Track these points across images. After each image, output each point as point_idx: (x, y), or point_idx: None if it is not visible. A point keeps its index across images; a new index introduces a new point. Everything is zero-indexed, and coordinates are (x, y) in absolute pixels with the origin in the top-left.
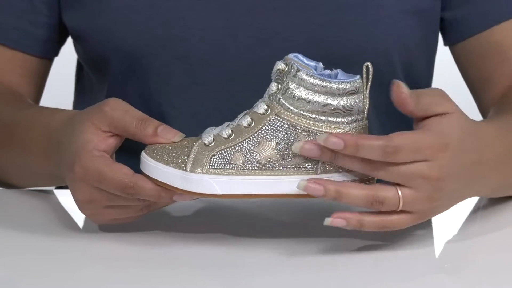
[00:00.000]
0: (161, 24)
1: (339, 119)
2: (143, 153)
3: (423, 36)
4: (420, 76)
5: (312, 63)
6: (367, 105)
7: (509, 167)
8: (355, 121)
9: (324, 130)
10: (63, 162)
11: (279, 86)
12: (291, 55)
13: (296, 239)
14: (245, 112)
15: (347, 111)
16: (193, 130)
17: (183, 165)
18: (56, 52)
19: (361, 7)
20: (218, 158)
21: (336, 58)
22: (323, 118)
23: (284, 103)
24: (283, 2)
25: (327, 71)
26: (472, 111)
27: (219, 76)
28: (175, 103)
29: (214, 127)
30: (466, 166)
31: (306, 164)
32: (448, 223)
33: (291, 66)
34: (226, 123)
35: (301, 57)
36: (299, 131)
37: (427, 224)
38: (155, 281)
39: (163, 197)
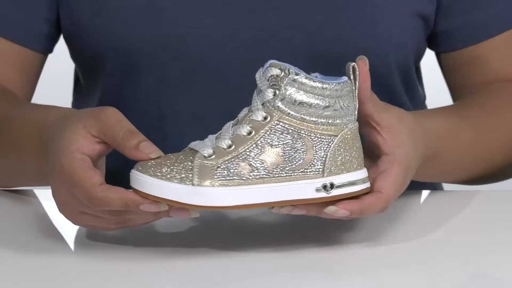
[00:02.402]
0: (159, 23)
1: (337, 121)
2: (134, 171)
3: (419, 39)
4: (413, 79)
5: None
6: (357, 106)
7: (436, 165)
8: (350, 122)
9: (326, 133)
10: (49, 159)
11: (276, 92)
12: (271, 61)
13: (290, 243)
14: (232, 122)
15: (344, 112)
16: (191, 129)
17: (188, 180)
18: (51, 49)
19: (360, 8)
20: (223, 169)
21: (335, 58)
22: (323, 120)
23: (285, 108)
24: (282, 2)
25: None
26: None
27: (218, 75)
28: (173, 102)
29: (199, 141)
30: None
31: (313, 168)
32: (444, 222)
33: (288, 70)
34: (211, 136)
35: (277, 62)
36: (304, 135)
37: (424, 225)
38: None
39: (129, 207)
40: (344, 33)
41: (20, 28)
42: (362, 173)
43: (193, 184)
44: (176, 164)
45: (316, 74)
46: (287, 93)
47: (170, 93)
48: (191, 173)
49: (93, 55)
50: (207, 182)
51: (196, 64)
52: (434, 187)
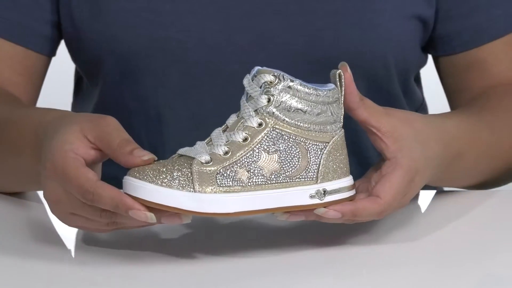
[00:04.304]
0: (159, 27)
1: (328, 127)
2: (129, 177)
3: (418, 42)
4: (411, 82)
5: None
6: (343, 113)
7: (457, 164)
8: (338, 129)
9: (319, 140)
10: (42, 158)
11: (271, 98)
12: (258, 67)
13: (289, 244)
14: (221, 129)
15: (333, 119)
16: (190, 132)
17: (189, 187)
18: (54, 51)
19: (359, 12)
20: (222, 176)
21: (333, 62)
22: (316, 127)
23: (279, 115)
24: (281, 6)
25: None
26: None
27: (216, 78)
28: (172, 105)
29: (188, 147)
30: (430, 174)
31: (307, 174)
32: (445, 221)
33: (282, 76)
34: (200, 142)
35: (265, 68)
36: (299, 141)
37: (423, 226)
38: None
39: (119, 209)
40: (343, 36)
41: (23, 30)
42: (349, 180)
43: (194, 191)
44: (174, 171)
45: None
46: (282, 99)
47: (169, 97)
48: (191, 180)
49: (92, 58)
50: (209, 189)
51: (194, 68)
52: (435, 186)
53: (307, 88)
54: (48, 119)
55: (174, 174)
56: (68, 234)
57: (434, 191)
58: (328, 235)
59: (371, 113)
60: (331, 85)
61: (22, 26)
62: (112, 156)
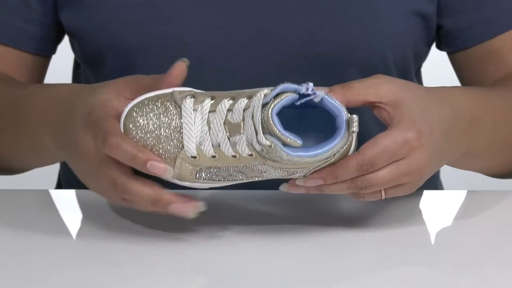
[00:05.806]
0: (157, 23)
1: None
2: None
3: (418, 38)
4: (412, 79)
5: (303, 86)
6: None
7: (476, 131)
8: (342, 147)
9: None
10: (71, 122)
11: (264, 150)
12: (279, 87)
13: (290, 233)
14: (244, 107)
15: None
16: None
17: (171, 165)
18: (52, 50)
19: (358, 8)
20: (204, 173)
21: (332, 58)
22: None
23: (272, 162)
24: (280, 2)
25: (318, 92)
26: None
27: (215, 75)
28: None
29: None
30: (441, 139)
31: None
32: (443, 218)
33: (275, 146)
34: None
35: (289, 84)
36: (286, 169)
37: (423, 224)
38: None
39: (138, 159)
40: (342, 32)
41: (12, 31)
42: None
43: (174, 178)
44: (166, 141)
45: (323, 94)
46: (276, 160)
47: None
48: (174, 163)
49: (92, 53)
50: (186, 182)
51: (193, 64)
52: (435, 186)
53: (299, 158)
54: (66, 89)
55: (165, 145)
56: (70, 228)
57: (428, 191)
58: (323, 232)
59: (363, 89)
60: (339, 134)
61: (11, 27)
62: (157, 88)
